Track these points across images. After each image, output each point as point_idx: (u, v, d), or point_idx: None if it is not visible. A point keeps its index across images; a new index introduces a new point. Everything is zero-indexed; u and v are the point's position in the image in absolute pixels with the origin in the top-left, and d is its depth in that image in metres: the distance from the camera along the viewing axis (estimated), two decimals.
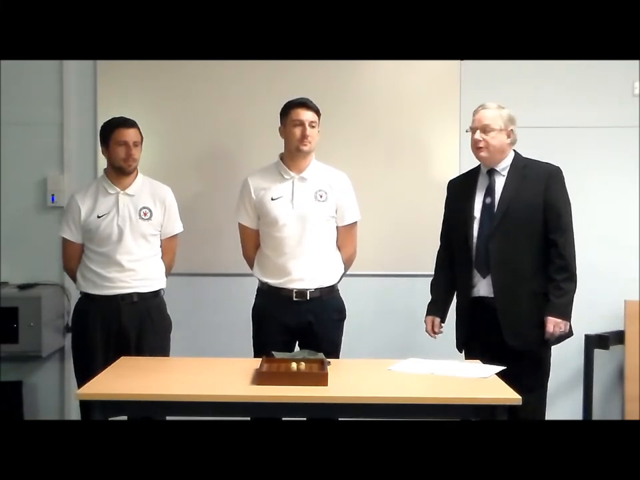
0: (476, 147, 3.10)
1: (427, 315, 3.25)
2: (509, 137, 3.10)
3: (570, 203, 3.11)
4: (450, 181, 3.34)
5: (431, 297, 3.28)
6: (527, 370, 2.95)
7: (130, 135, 3.23)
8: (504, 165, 3.12)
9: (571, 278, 3.04)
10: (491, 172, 3.13)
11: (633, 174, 3.89)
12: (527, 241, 3.04)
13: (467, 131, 3.16)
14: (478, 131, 3.08)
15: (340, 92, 3.89)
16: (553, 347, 3.18)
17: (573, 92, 3.89)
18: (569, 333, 3.09)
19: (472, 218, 3.10)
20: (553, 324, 3.00)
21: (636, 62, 3.72)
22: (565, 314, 3.03)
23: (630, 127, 3.89)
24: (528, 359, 3.02)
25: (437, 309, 3.25)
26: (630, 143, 3.90)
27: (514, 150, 3.16)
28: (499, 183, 3.11)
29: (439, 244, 3.32)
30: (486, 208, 3.09)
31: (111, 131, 3.25)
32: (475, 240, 3.08)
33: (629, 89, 3.89)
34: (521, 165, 3.11)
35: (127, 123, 3.25)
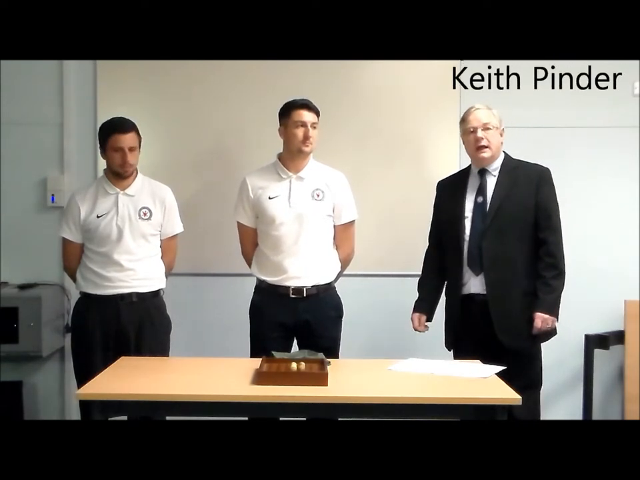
0: (477, 146, 3.10)
1: (413, 312, 3.28)
2: (501, 135, 3.15)
3: (558, 204, 3.14)
4: (439, 182, 3.36)
5: (418, 295, 3.31)
6: (519, 369, 2.91)
7: (126, 140, 3.20)
8: (495, 166, 3.15)
9: (559, 276, 3.07)
10: (482, 172, 3.16)
11: (633, 174, 3.89)
12: (518, 240, 3.07)
13: (470, 131, 3.12)
14: (479, 130, 3.10)
15: (339, 92, 3.89)
16: (553, 347, 3.19)
17: (572, 92, 3.88)
18: (554, 331, 3.11)
19: (463, 217, 3.13)
20: (541, 319, 3.02)
21: (636, 62, 3.72)
22: (553, 310, 3.06)
23: (630, 126, 3.88)
24: (519, 356, 3.02)
25: (423, 306, 3.28)
26: (630, 143, 3.89)
27: (503, 151, 3.19)
28: (491, 182, 3.14)
29: (427, 244, 3.34)
30: (478, 207, 3.12)
31: (107, 136, 3.22)
32: (467, 238, 3.11)
33: (629, 89, 3.89)
34: (512, 166, 3.15)
35: (123, 128, 3.20)
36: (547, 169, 3.15)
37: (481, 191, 3.14)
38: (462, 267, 3.12)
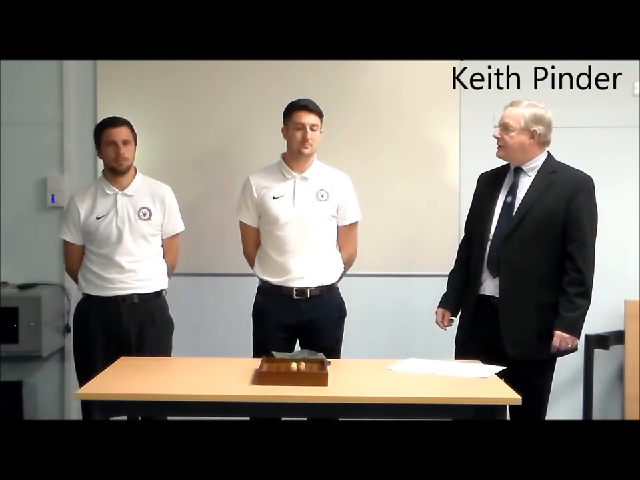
0: (497, 145, 3.03)
1: (438, 307, 3.18)
2: (532, 137, 2.96)
3: (597, 217, 2.98)
4: (481, 174, 3.24)
5: (446, 289, 3.21)
6: (521, 382, 2.66)
7: (118, 134, 3.19)
8: (532, 166, 3.00)
9: (585, 294, 2.91)
10: (517, 171, 3.03)
11: (633, 174, 3.89)
12: (543, 248, 2.93)
13: (494, 127, 3.06)
14: (497, 128, 3.01)
15: (340, 92, 3.89)
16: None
17: (573, 92, 3.88)
18: (574, 349, 2.97)
19: (492, 215, 3.01)
20: (560, 339, 2.88)
21: (636, 62, 3.72)
22: (574, 330, 2.91)
23: (630, 126, 3.89)
24: (523, 369, 2.86)
25: (448, 302, 3.17)
26: (630, 143, 3.89)
27: (548, 151, 3.04)
28: (524, 183, 3.00)
29: (462, 236, 3.26)
30: (506, 206, 3.00)
31: (100, 132, 3.23)
32: (490, 237, 3.00)
33: (629, 89, 3.89)
34: (551, 169, 2.99)
35: (115, 122, 3.21)
36: (589, 177, 2.99)
37: (512, 190, 3.01)
38: (482, 266, 3.00)
